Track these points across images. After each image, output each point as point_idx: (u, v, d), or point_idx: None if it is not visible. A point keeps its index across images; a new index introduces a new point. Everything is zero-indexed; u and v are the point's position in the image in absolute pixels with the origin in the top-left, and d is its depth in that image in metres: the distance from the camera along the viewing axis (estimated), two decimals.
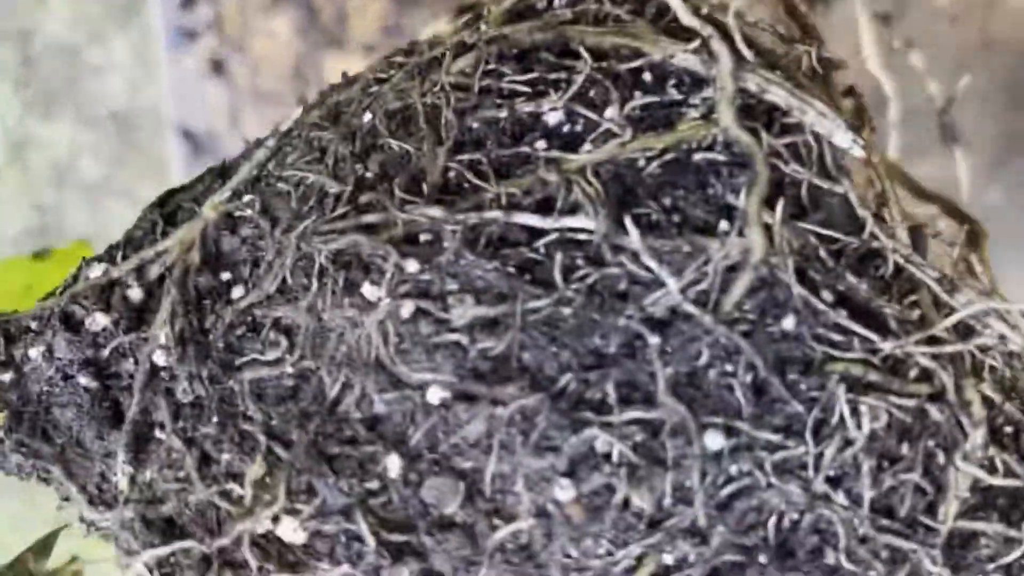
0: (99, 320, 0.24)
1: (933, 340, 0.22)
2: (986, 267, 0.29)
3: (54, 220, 1.26)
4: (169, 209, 0.27)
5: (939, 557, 0.21)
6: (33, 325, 0.25)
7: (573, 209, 0.21)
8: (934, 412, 0.21)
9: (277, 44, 0.68)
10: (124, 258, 0.25)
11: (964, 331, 0.22)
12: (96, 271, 0.25)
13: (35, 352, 0.24)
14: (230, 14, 0.68)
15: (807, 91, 0.23)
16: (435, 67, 0.26)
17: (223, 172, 0.28)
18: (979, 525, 0.21)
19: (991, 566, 0.22)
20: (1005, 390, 0.23)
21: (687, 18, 0.23)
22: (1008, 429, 0.23)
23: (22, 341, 0.25)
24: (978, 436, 0.21)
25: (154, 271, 0.24)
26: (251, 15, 0.67)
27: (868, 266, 0.23)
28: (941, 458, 0.21)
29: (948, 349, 0.21)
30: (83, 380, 0.23)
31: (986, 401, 0.22)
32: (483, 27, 0.26)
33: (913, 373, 0.21)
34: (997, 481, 0.21)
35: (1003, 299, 0.24)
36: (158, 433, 0.23)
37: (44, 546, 0.30)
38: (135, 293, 0.24)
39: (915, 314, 0.22)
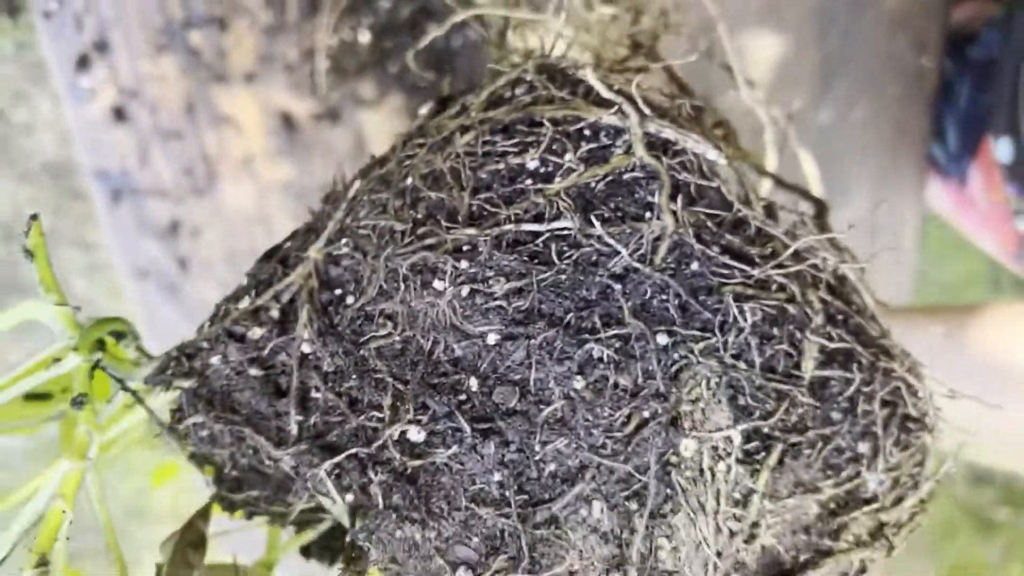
0: (256, 331, 0.36)
1: (783, 267, 0.36)
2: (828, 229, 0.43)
3: (7, 273, 1.32)
4: (280, 258, 0.39)
5: (806, 393, 0.34)
6: (205, 344, 0.37)
7: (556, 217, 0.35)
8: (790, 308, 0.35)
9: (168, 86, 0.78)
10: (258, 294, 0.38)
11: (801, 259, 0.36)
12: (244, 303, 0.37)
13: (215, 359, 0.36)
14: (122, 66, 0.77)
15: (686, 128, 0.37)
16: (446, 143, 0.39)
17: (308, 230, 0.40)
18: (827, 372, 0.35)
19: (840, 399, 0.35)
20: (834, 292, 0.37)
21: (607, 94, 0.38)
22: (839, 316, 0.37)
23: (199, 357, 0.37)
24: (818, 319, 0.35)
25: (285, 297, 0.37)
26: (141, 64, 0.76)
27: (739, 229, 0.37)
28: (798, 335, 0.35)
29: (792, 270, 0.35)
30: (252, 372, 0.36)
31: (822, 300, 0.36)
32: (472, 114, 0.40)
33: (775, 287, 0.35)
34: (833, 345, 0.35)
35: (829, 240, 0.38)
36: (313, 394, 0.35)
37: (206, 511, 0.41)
38: (275, 313, 0.37)
39: (770, 253, 0.36)
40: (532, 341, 0.33)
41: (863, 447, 0.35)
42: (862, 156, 0.87)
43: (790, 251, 0.35)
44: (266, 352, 0.36)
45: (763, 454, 0.34)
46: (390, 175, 0.40)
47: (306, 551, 0.48)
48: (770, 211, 0.40)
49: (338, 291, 0.37)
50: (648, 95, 0.39)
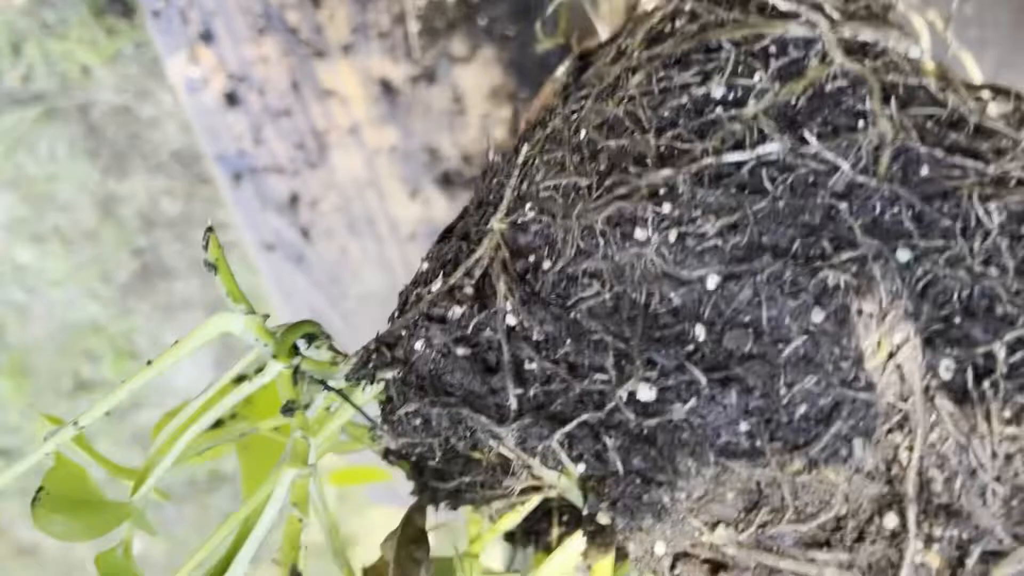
0: (456, 311, 0.35)
1: (1019, 159, 0.32)
2: None
3: (153, 259, 1.39)
4: (460, 234, 0.38)
5: None
6: (404, 332, 0.35)
7: (760, 141, 0.32)
8: None
9: (272, 66, 0.80)
10: (447, 274, 0.36)
11: None
12: (437, 284, 0.36)
13: (419, 344, 0.35)
14: (228, 53, 0.79)
15: (877, 25, 0.34)
16: (614, 89, 0.37)
17: (480, 205, 0.39)
18: None
19: None
20: None
21: (786, 6, 0.35)
22: None
23: (399, 345, 0.35)
24: None
25: (477, 272, 0.35)
26: (244, 49, 0.79)
27: (958, 127, 0.33)
28: None
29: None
30: (460, 351, 0.34)
31: None
32: (634, 54, 0.38)
33: (1013, 183, 0.32)
34: None
35: None
36: (527, 365, 0.33)
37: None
38: (469, 290, 0.35)
39: (999, 148, 0.33)
40: (758, 277, 0.31)
41: None
42: (978, 52, 0.82)
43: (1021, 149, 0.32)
44: (470, 330, 0.34)
45: None
46: (558, 133, 0.38)
47: (510, 536, 0.47)
48: (982, 105, 0.36)
49: (531, 258, 0.35)
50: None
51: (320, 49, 0.78)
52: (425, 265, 0.38)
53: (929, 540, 0.30)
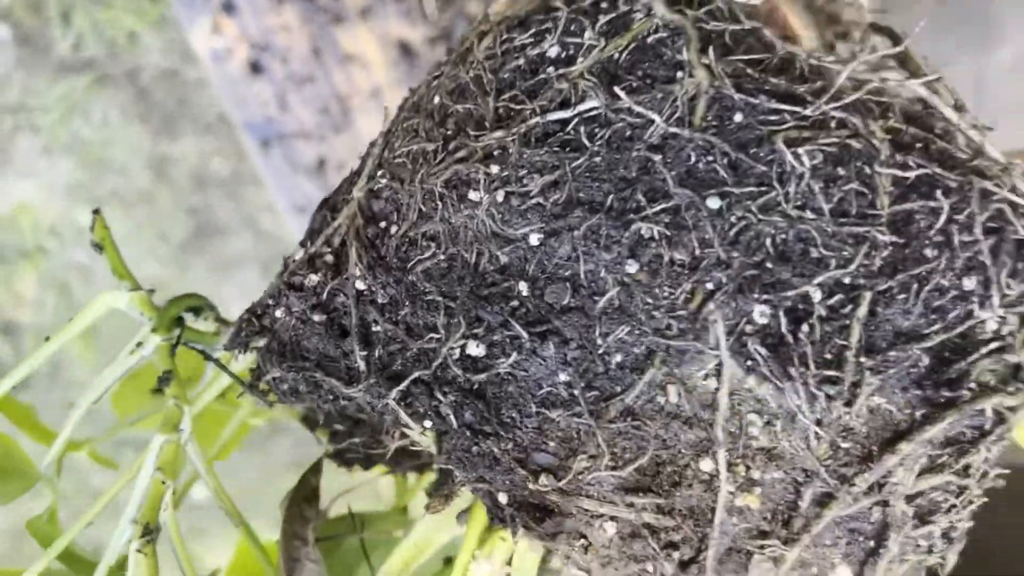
0: (313, 279, 0.36)
1: (839, 100, 0.32)
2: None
3: (207, 219, 1.46)
4: (330, 205, 0.39)
5: (887, 231, 0.31)
6: (270, 301, 0.37)
7: (582, 99, 0.33)
8: (854, 144, 0.31)
9: (293, 34, 0.83)
10: (313, 241, 0.38)
11: (859, 86, 0.33)
12: (299, 254, 0.37)
13: (280, 312, 0.36)
14: (249, 23, 0.83)
15: None
16: (469, 54, 0.38)
17: (353, 175, 0.40)
18: (908, 205, 0.31)
19: (932, 233, 0.31)
20: (911, 119, 0.33)
21: None
22: (917, 143, 0.33)
23: (267, 314, 0.37)
24: (884, 149, 0.31)
25: (336, 240, 0.37)
26: (266, 18, 0.82)
27: (787, 70, 0.33)
28: (868, 170, 0.31)
29: (848, 100, 0.32)
30: (316, 317, 0.36)
31: (891, 130, 0.32)
32: (490, 16, 0.38)
33: (834, 125, 0.32)
34: (907, 174, 0.31)
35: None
36: (374, 328, 0.34)
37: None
38: (329, 257, 0.37)
39: (824, 88, 0.32)
40: (576, 233, 0.31)
41: (969, 283, 0.32)
42: None
43: (842, 78, 0.31)
44: (325, 296, 0.36)
45: (850, 307, 0.31)
46: (421, 99, 0.39)
47: (431, 493, 0.48)
48: (828, 46, 0.36)
49: (382, 223, 0.36)
50: None
51: (338, 15, 0.81)
52: (304, 232, 0.40)
53: (750, 484, 0.31)
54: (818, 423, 0.31)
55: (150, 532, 0.32)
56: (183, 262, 1.45)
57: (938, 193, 0.31)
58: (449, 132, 0.36)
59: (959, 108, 0.34)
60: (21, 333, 1.53)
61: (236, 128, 0.91)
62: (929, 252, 0.31)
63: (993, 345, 0.32)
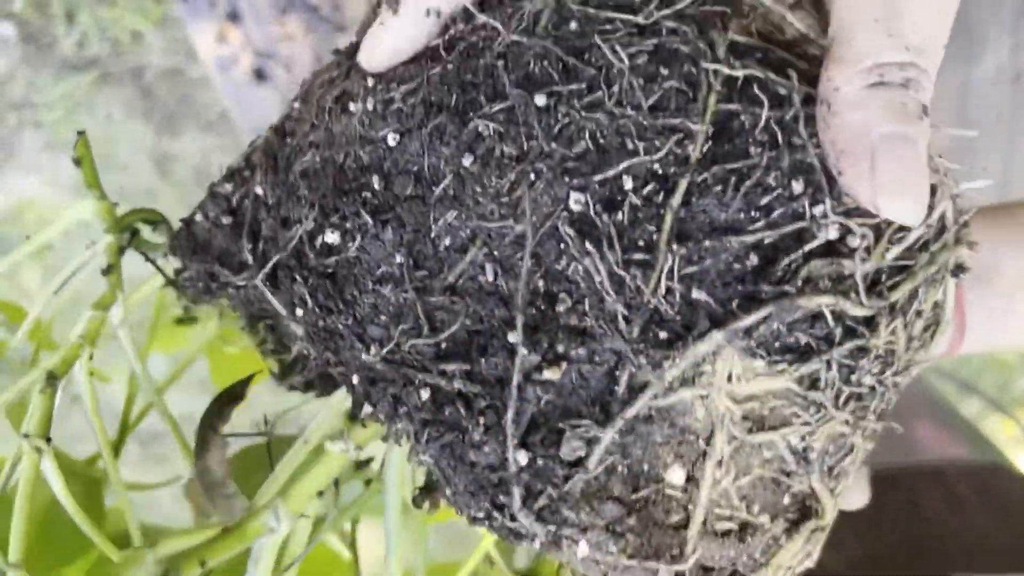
0: (227, 187, 0.41)
1: (673, 5, 0.34)
2: None
3: None
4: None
5: (702, 122, 0.32)
6: (197, 211, 0.42)
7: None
8: (682, 48, 0.33)
9: (296, 43, 0.87)
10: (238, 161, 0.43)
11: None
12: (224, 171, 0.42)
13: (199, 216, 0.41)
14: (254, 32, 0.88)
15: None
16: None
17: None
18: (732, 106, 0.32)
19: (756, 132, 0.32)
20: (761, 35, 0.34)
21: None
22: (754, 51, 0.34)
23: (194, 222, 0.42)
24: (718, 52, 0.33)
25: (254, 157, 0.41)
26: (270, 28, 0.87)
27: None
28: (692, 69, 0.33)
29: (682, 6, 0.33)
30: (224, 220, 0.40)
31: (731, 41, 0.33)
32: None
33: (665, 32, 0.33)
34: (735, 73, 0.32)
35: None
36: (262, 224, 0.39)
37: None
38: (246, 172, 0.41)
39: None
40: (424, 131, 0.35)
41: (798, 185, 0.32)
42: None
43: None
44: (233, 201, 0.40)
45: (663, 195, 0.32)
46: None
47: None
48: None
49: (288, 139, 0.40)
50: None
51: (340, 24, 0.88)
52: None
53: (555, 358, 0.32)
54: (627, 306, 0.32)
55: (54, 378, 0.37)
56: None
57: (762, 96, 0.32)
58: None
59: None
60: None
61: (238, 126, 0.97)
62: (752, 150, 0.32)
63: (826, 248, 0.32)
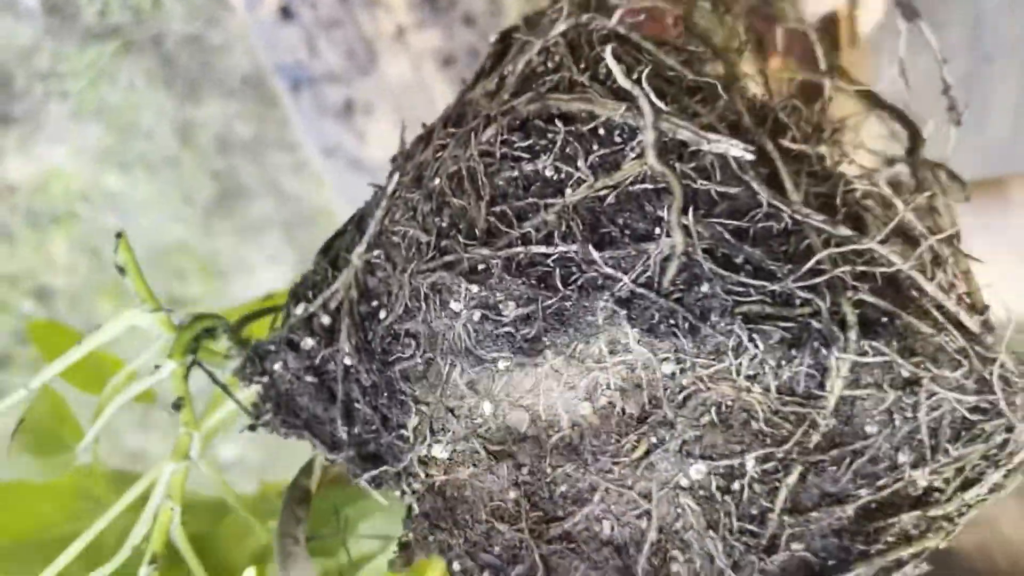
0: (308, 342, 0.39)
1: (817, 274, 0.33)
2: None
3: (230, 181, 1.51)
4: (331, 257, 0.41)
5: (829, 415, 0.33)
6: (272, 348, 0.41)
7: (565, 237, 0.34)
8: (815, 323, 0.32)
9: None
10: (313, 297, 0.41)
11: (841, 257, 0.33)
12: (299, 309, 0.40)
13: (277, 366, 0.40)
14: None
15: (704, 121, 0.33)
16: (471, 137, 0.38)
17: (360, 221, 0.42)
18: (856, 391, 0.33)
19: (875, 412, 0.33)
20: (889, 283, 0.34)
21: (624, 82, 0.34)
22: (883, 319, 0.33)
23: (268, 359, 0.41)
24: (852, 335, 0.32)
25: (333, 304, 0.40)
26: None
27: (769, 230, 0.34)
28: (824, 352, 0.33)
29: (818, 280, 0.32)
30: (308, 378, 0.39)
31: (859, 304, 0.33)
32: (502, 96, 0.38)
33: (799, 302, 0.33)
34: (866, 360, 0.33)
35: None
36: (356, 405, 0.38)
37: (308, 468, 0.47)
38: (325, 320, 0.40)
39: (802, 252, 0.33)
40: (539, 370, 0.34)
41: (904, 456, 0.34)
42: (1010, 15, 0.77)
43: (813, 262, 0.32)
44: (317, 361, 0.39)
45: (781, 473, 0.33)
46: (425, 168, 0.40)
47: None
48: (824, 171, 0.36)
49: (374, 303, 0.38)
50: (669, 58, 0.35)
51: None
52: (306, 273, 0.43)
53: None
54: (734, 567, 0.34)
55: (155, 562, 0.38)
56: (207, 225, 1.46)
57: (887, 379, 0.33)
58: (443, 226, 0.37)
59: (938, 263, 0.35)
60: (54, 297, 1.58)
61: (259, 91, 0.92)
62: (871, 428, 0.33)
63: (921, 503, 0.35)
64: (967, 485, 0.36)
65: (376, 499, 0.48)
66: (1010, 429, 0.35)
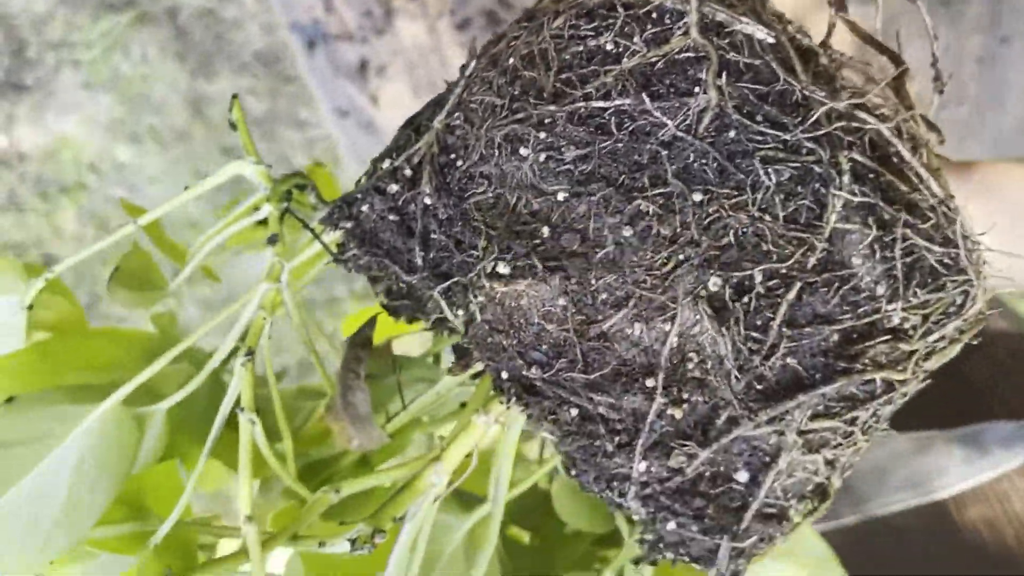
0: (393, 187, 0.47)
1: (814, 130, 0.41)
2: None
3: (241, 158, 1.58)
4: (415, 126, 0.50)
5: (824, 240, 0.41)
6: (359, 196, 0.49)
7: (620, 94, 0.42)
8: (816, 168, 0.41)
9: None
10: (397, 156, 0.49)
11: (838, 118, 0.41)
12: (386, 164, 0.48)
13: (365, 207, 0.48)
14: None
15: (738, 11, 0.42)
16: (542, 27, 0.47)
17: (438, 102, 0.50)
18: (846, 225, 0.41)
19: (861, 247, 0.41)
20: (874, 150, 0.42)
21: None
22: (869, 174, 0.42)
23: (355, 204, 0.49)
24: (844, 178, 0.41)
25: (415, 159, 0.48)
26: None
27: (783, 99, 0.42)
28: (823, 191, 0.41)
29: (820, 132, 0.41)
30: (391, 217, 0.47)
31: (852, 160, 0.41)
32: None
33: (804, 151, 0.41)
34: (855, 199, 0.41)
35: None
36: (432, 235, 0.46)
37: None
38: (407, 172, 0.48)
39: (807, 118, 0.41)
40: (592, 198, 0.42)
41: (881, 289, 0.42)
42: None
43: (815, 115, 0.41)
44: (400, 203, 0.47)
45: (783, 290, 0.41)
46: (499, 54, 0.48)
47: (454, 360, 0.61)
48: (827, 75, 0.44)
49: (452, 155, 0.46)
50: None
51: None
52: (390, 143, 0.51)
53: (680, 400, 0.42)
54: (739, 368, 0.42)
55: (251, 353, 0.45)
56: (217, 201, 1.52)
57: (871, 219, 0.41)
58: (516, 92, 0.45)
59: (916, 148, 0.43)
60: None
61: (272, 67, 0.96)
62: (856, 260, 0.41)
63: (891, 335, 0.42)
64: (930, 331, 0.44)
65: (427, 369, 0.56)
66: (968, 283, 0.43)
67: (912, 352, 0.43)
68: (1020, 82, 0.90)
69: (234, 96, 0.49)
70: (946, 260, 0.43)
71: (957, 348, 0.46)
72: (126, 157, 1.54)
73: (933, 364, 0.45)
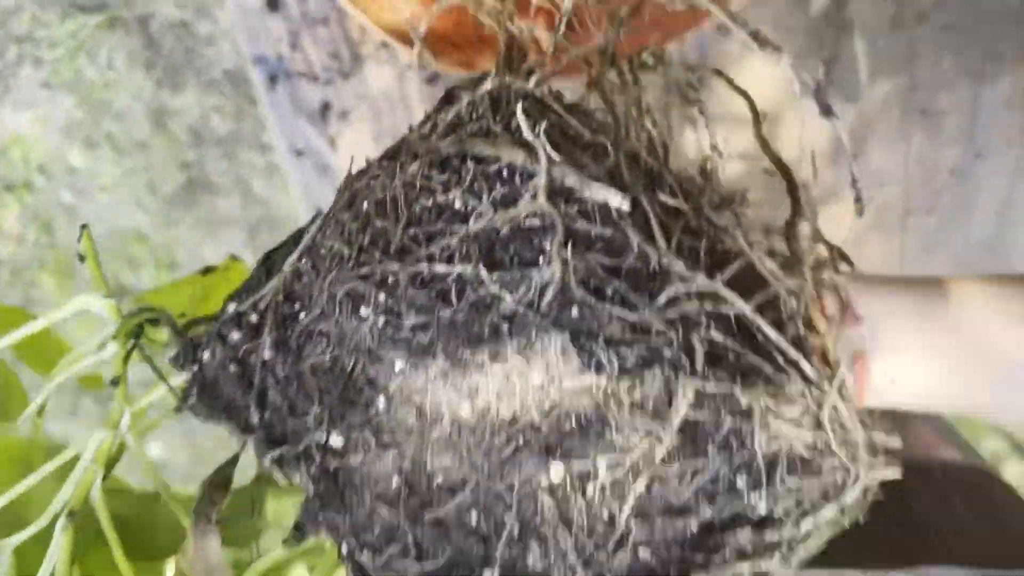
0: (235, 336, 0.44)
1: (672, 309, 0.38)
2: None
3: (199, 174, 1.52)
4: (268, 266, 0.47)
5: (672, 432, 0.37)
6: (204, 340, 0.46)
7: (463, 259, 0.39)
8: (667, 352, 0.37)
9: None
10: (245, 298, 0.45)
11: (697, 296, 0.38)
12: (231, 307, 0.45)
13: (206, 355, 0.45)
14: None
15: (595, 173, 0.39)
16: (398, 170, 0.44)
17: (296, 239, 0.47)
18: (697, 414, 0.38)
19: (716, 436, 0.38)
20: (728, 330, 0.39)
21: (527, 135, 0.40)
22: (728, 354, 0.39)
23: (199, 349, 0.46)
24: (698, 364, 0.38)
25: (262, 304, 0.45)
26: None
27: (638, 270, 0.39)
28: (673, 377, 0.38)
29: (672, 314, 0.38)
30: (232, 368, 0.44)
31: (708, 341, 0.38)
32: (430, 139, 0.44)
33: (655, 331, 0.38)
34: (711, 388, 0.38)
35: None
36: (269, 393, 0.43)
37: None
38: (253, 318, 0.45)
39: (663, 291, 0.38)
40: (430, 371, 0.39)
41: (741, 481, 0.38)
42: (1018, 17, 0.78)
43: (664, 297, 0.37)
44: (241, 353, 0.44)
45: (630, 481, 0.38)
46: (356, 194, 0.45)
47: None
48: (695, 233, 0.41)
49: (296, 305, 0.43)
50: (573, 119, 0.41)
51: None
52: (243, 282, 0.48)
53: None
54: (584, 563, 0.38)
55: (73, 515, 0.42)
56: (169, 216, 1.48)
57: (725, 409, 0.38)
58: (364, 242, 0.42)
59: (781, 325, 0.40)
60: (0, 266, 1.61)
61: (241, 87, 0.93)
62: (710, 450, 0.38)
63: (757, 524, 0.39)
64: (803, 516, 0.40)
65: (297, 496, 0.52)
66: (844, 469, 0.40)
67: (779, 542, 0.40)
68: (990, 198, 0.88)
69: (83, 226, 0.47)
70: (817, 445, 0.40)
71: (842, 526, 0.42)
72: (79, 162, 1.50)
73: (813, 545, 0.42)
